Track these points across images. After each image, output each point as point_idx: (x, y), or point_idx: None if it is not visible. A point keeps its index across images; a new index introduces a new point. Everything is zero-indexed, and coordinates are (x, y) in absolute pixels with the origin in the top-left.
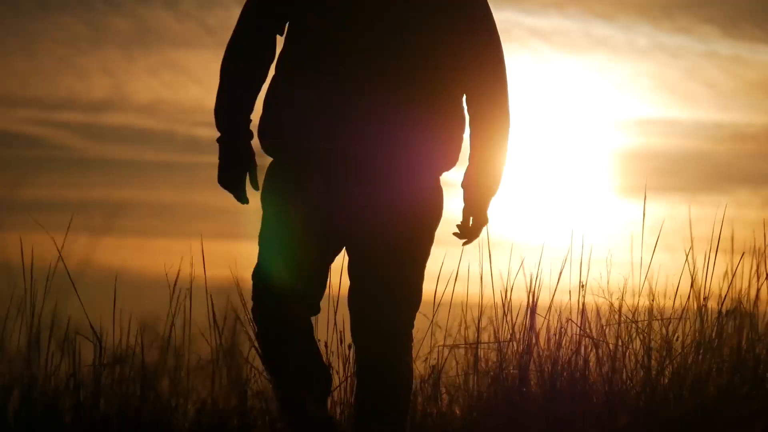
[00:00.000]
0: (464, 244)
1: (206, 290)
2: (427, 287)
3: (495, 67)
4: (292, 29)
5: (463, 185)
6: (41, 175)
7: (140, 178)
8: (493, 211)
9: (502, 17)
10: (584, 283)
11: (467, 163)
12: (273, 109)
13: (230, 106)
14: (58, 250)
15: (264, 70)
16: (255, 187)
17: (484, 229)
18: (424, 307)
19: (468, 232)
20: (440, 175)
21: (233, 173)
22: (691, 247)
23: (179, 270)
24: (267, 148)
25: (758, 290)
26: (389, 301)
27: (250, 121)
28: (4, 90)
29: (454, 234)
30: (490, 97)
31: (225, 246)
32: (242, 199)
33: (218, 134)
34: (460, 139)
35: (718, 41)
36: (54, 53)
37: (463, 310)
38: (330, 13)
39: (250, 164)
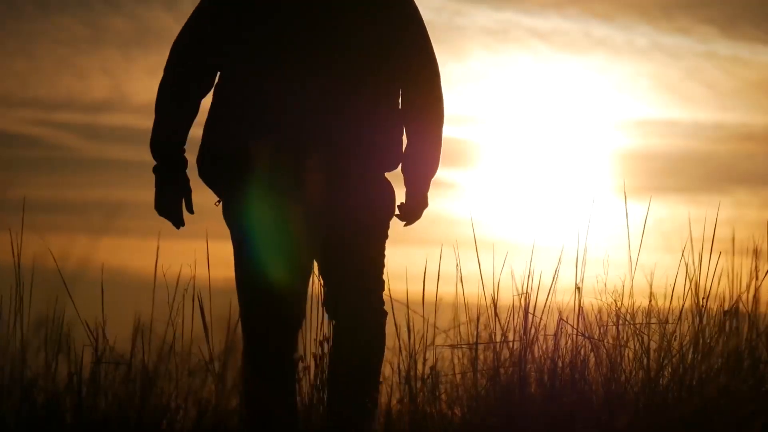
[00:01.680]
0: (405, 225)
1: (210, 290)
2: (427, 288)
3: (427, 59)
4: (239, 42)
5: (402, 170)
6: (40, 176)
7: (140, 178)
8: (488, 211)
9: (501, 18)
10: (580, 285)
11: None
12: (234, 113)
13: (167, 137)
14: (54, 250)
15: (198, 100)
16: (190, 211)
17: (478, 228)
18: (422, 307)
19: (409, 213)
20: (384, 172)
21: (171, 200)
22: (685, 248)
23: (188, 270)
24: (231, 148)
25: (756, 290)
26: (360, 274)
27: (185, 149)
28: (4, 90)
29: (396, 216)
30: (423, 87)
31: (224, 246)
32: (179, 223)
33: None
34: (401, 141)
35: (717, 42)
36: (53, 54)
37: (444, 309)
38: (278, 19)
39: (186, 191)
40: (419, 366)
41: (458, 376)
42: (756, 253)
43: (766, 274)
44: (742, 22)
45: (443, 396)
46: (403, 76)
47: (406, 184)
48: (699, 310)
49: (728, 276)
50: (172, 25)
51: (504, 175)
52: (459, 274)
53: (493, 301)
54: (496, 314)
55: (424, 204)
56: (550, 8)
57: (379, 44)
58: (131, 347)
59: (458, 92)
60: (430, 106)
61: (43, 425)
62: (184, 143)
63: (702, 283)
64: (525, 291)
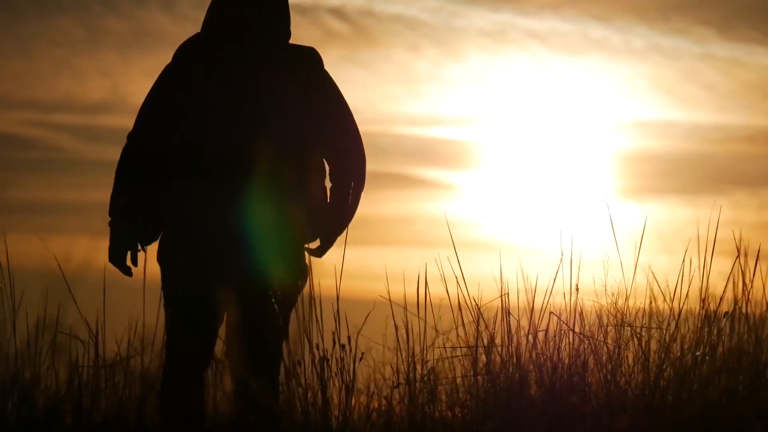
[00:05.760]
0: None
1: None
2: (425, 290)
3: (351, 132)
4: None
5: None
6: (38, 177)
7: None
8: (486, 212)
9: (499, 19)
10: (578, 286)
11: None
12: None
13: (124, 204)
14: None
15: (154, 174)
16: (134, 263)
17: (477, 229)
18: (417, 309)
19: (316, 252)
20: (304, 246)
21: (118, 252)
22: (683, 249)
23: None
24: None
25: (749, 291)
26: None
27: (139, 214)
28: (2, 92)
29: (306, 249)
30: (348, 160)
31: None
32: (127, 272)
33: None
34: (321, 213)
35: (714, 43)
36: (51, 55)
37: (439, 311)
38: (209, 114)
39: (134, 246)
40: (419, 367)
41: (458, 378)
42: (752, 255)
43: (756, 274)
44: (740, 24)
45: (443, 397)
46: (326, 144)
47: (318, 232)
48: (699, 312)
49: (728, 278)
50: (170, 27)
51: (502, 176)
52: (443, 277)
53: (477, 304)
54: (480, 316)
55: (329, 248)
56: (547, 9)
57: (299, 105)
58: (128, 349)
59: (456, 93)
60: (354, 176)
61: (43, 427)
62: (141, 209)
63: (702, 285)
64: (507, 292)
